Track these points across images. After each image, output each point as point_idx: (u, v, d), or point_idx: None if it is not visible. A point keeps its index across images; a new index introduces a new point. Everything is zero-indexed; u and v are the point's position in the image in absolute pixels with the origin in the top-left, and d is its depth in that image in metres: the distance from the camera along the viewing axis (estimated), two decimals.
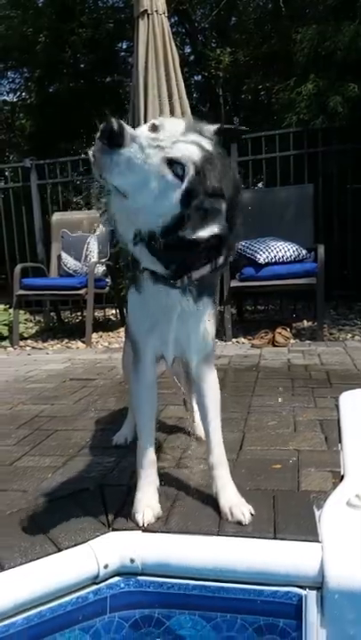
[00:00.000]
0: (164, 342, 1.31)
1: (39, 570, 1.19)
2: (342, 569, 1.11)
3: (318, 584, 1.12)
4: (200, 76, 8.63)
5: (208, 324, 1.31)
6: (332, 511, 1.26)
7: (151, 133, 1.04)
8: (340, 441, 1.74)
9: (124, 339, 2.12)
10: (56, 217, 5.36)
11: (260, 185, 5.87)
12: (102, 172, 1.01)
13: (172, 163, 1.00)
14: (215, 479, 1.37)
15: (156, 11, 4.15)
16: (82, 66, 9.54)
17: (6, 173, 7.12)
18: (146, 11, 4.14)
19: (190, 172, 1.00)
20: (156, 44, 4.15)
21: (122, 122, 0.98)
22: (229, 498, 1.33)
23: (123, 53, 9.63)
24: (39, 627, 1.18)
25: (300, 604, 1.14)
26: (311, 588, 1.13)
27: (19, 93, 10.56)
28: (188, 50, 8.81)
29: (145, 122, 4.05)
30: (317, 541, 1.17)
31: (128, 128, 0.99)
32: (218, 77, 7.23)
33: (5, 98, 10.64)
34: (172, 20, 4.97)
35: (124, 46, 9.49)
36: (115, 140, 0.97)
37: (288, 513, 1.30)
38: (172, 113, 4.09)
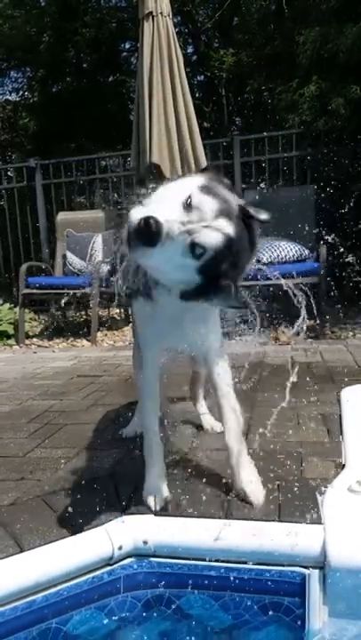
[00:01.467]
0: (173, 343, 1.40)
1: (57, 551, 1.27)
2: (344, 549, 1.18)
3: (321, 564, 1.19)
4: (203, 77, 8.69)
5: (216, 324, 1.39)
6: (333, 496, 1.33)
7: (185, 213, 1.08)
8: (341, 433, 1.81)
9: (132, 339, 2.20)
10: (61, 216, 5.43)
11: (262, 185, 5.93)
12: (133, 254, 1.10)
13: (196, 245, 1.07)
14: (232, 460, 1.45)
15: (161, 12, 4.21)
16: (84, 65, 9.60)
17: (9, 173, 7.19)
18: (151, 12, 4.19)
19: (209, 256, 1.08)
20: (160, 45, 4.21)
21: (158, 220, 1.02)
22: (245, 479, 1.41)
23: (125, 53, 9.69)
24: (58, 604, 1.26)
25: (303, 582, 1.21)
26: (314, 567, 1.20)
27: (21, 93, 10.62)
28: (190, 50, 8.87)
29: (150, 124, 4.10)
30: (320, 524, 1.24)
31: (164, 225, 1.03)
32: (221, 78, 7.30)
33: (8, 97, 10.70)
34: (175, 21, 5.04)
35: (127, 46, 9.55)
36: (151, 242, 1.03)
37: (292, 499, 1.37)
38: (176, 114, 4.15)
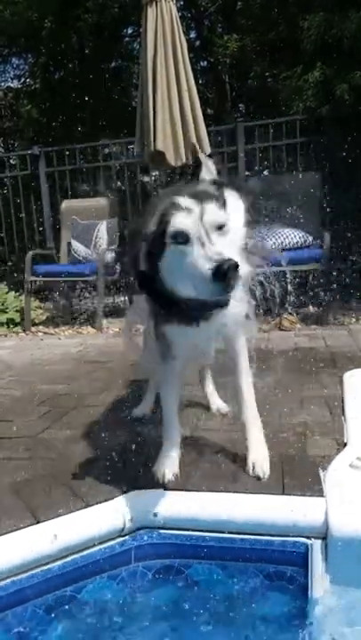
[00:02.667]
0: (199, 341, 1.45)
1: (71, 523, 1.33)
2: (345, 520, 1.24)
3: (323, 534, 1.25)
4: (206, 62, 8.63)
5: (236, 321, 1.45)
6: (335, 471, 1.39)
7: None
8: (343, 413, 1.86)
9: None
10: (66, 204, 5.45)
11: (266, 172, 5.94)
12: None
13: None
14: (247, 435, 1.53)
15: None
16: (86, 51, 9.53)
17: (11, 161, 7.18)
18: None
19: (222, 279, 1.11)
20: (164, 30, 4.20)
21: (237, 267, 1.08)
22: (256, 454, 1.49)
23: (127, 38, 9.61)
24: (72, 573, 1.33)
25: (306, 552, 1.28)
26: (316, 537, 1.26)
27: (23, 80, 10.56)
28: (193, 35, 8.80)
29: (154, 111, 4.11)
30: (322, 497, 1.30)
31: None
32: (224, 64, 7.26)
33: (10, 84, 10.64)
34: (178, 5, 5.00)
35: (130, 31, 9.47)
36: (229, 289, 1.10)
37: (295, 474, 1.43)
38: (180, 100, 4.16)
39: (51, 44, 8.55)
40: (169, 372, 1.52)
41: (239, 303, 1.32)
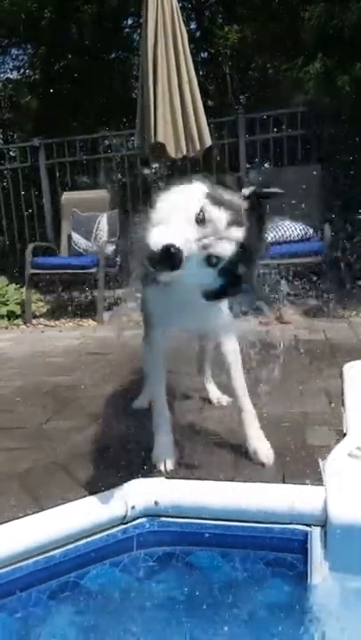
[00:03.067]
0: (184, 323, 1.49)
1: (74, 510, 1.35)
2: (344, 508, 1.26)
3: (322, 522, 1.27)
4: (206, 53, 8.58)
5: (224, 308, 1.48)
6: (334, 461, 1.41)
7: (199, 229, 1.15)
8: (343, 405, 1.88)
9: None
10: (66, 196, 5.44)
11: (267, 164, 5.93)
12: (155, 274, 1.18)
13: (213, 256, 1.16)
14: (244, 425, 1.57)
15: None
16: (86, 42, 9.47)
17: (11, 152, 7.16)
18: None
19: (225, 263, 1.16)
20: (164, 21, 4.18)
21: (179, 248, 1.09)
22: (256, 442, 1.53)
23: (127, 29, 9.55)
24: (75, 560, 1.35)
25: (305, 539, 1.30)
26: (316, 525, 1.28)
27: (22, 71, 10.50)
28: (193, 26, 8.74)
29: (154, 103, 4.10)
30: (321, 485, 1.32)
31: (184, 250, 1.10)
32: (225, 55, 7.23)
33: (9, 75, 10.57)
34: None
35: (129, 22, 9.41)
36: (174, 267, 1.10)
37: (295, 463, 1.45)
38: (180, 92, 4.15)
39: (50, 34, 8.50)
40: (153, 355, 1.57)
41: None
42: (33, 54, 10.00)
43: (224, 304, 1.49)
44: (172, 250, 1.09)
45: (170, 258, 1.09)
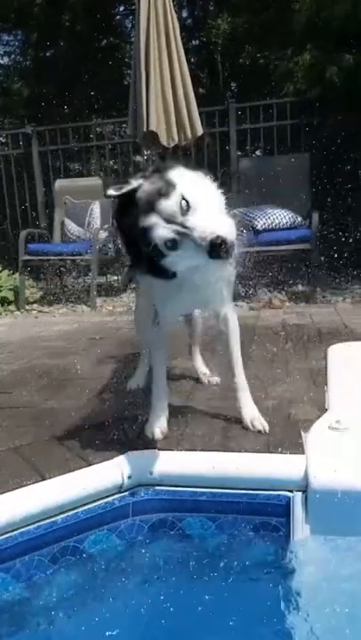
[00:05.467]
0: (185, 305, 1.57)
1: (74, 480, 1.45)
2: (323, 475, 1.37)
3: (303, 487, 1.38)
4: (198, 41, 8.56)
5: (225, 287, 1.58)
6: (316, 432, 1.52)
7: (182, 215, 1.21)
8: (326, 384, 1.99)
9: (135, 301, 2.35)
10: (59, 183, 5.49)
11: (258, 152, 5.99)
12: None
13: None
14: (239, 399, 1.68)
15: None
16: (78, 28, 9.40)
17: (1, 139, 7.14)
18: None
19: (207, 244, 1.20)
20: (157, 11, 4.21)
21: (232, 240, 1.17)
22: (250, 413, 1.65)
23: (119, 17, 9.50)
24: (75, 526, 1.45)
25: (288, 504, 1.41)
26: (297, 490, 1.39)
27: (13, 56, 10.40)
28: (185, 14, 8.72)
29: (147, 92, 4.13)
30: (303, 454, 1.42)
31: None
32: (216, 44, 7.24)
33: (0, 61, 10.47)
34: None
35: (121, 9, 9.35)
36: (227, 257, 1.19)
37: (280, 435, 1.56)
38: (172, 82, 4.20)
39: (42, 21, 8.44)
40: (158, 335, 1.66)
41: (221, 267, 1.39)
42: (24, 41, 9.91)
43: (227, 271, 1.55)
44: (228, 241, 1.16)
45: (225, 248, 1.16)
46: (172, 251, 1.23)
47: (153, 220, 1.22)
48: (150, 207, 1.23)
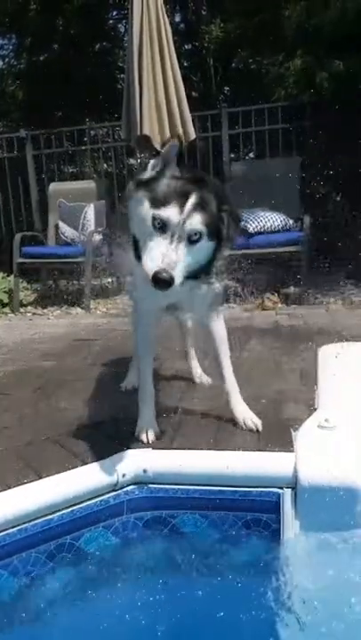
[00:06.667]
0: (174, 308, 1.62)
1: (70, 478, 1.49)
2: (311, 472, 1.41)
3: (293, 484, 1.43)
4: (190, 45, 8.62)
5: (212, 293, 1.61)
6: (305, 431, 1.57)
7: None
8: (316, 384, 2.04)
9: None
10: (53, 187, 5.51)
11: (250, 155, 6.06)
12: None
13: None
14: (230, 399, 1.74)
15: None
16: (72, 32, 9.44)
17: None
18: None
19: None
20: (149, 16, 4.27)
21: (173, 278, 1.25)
22: (243, 412, 1.70)
23: (112, 21, 9.54)
24: (71, 523, 1.48)
25: (278, 501, 1.45)
26: (287, 487, 1.43)
27: (7, 60, 10.42)
28: (178, 19, 8.77)
29: (140, 96, 4.18)
30: (292, 452, 1.47)
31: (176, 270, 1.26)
32: (209, 49, 7.31)
33: None
34: None
35: (115, 14, 9.40)
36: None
37: (270, 434, 1.60)
38: (165, 87, 4.25)
39: (36, 25, 8.47)
40: (145, 339, 1.71)
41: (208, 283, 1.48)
42: (18, 44, 9.92)
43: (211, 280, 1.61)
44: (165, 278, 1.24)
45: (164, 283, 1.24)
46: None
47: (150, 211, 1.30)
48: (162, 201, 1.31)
